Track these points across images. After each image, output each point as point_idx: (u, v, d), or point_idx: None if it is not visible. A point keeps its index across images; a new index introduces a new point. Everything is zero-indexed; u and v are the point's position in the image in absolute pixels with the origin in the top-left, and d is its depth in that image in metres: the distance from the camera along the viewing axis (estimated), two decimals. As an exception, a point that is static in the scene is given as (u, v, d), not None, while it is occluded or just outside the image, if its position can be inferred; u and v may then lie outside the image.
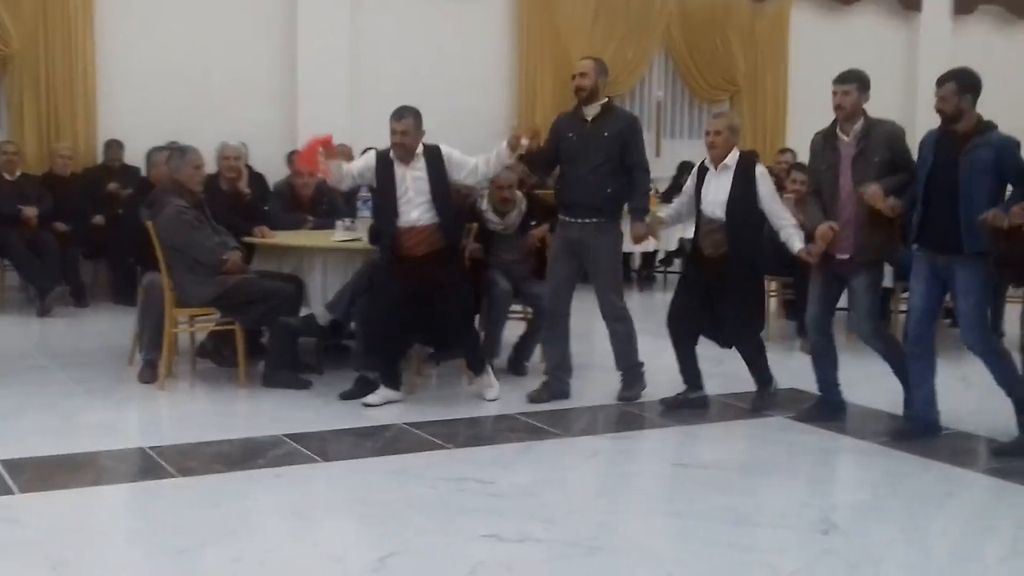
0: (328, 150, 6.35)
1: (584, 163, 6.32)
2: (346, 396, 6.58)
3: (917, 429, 5.88)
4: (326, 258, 7.13)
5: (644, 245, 7.43)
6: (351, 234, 7.35)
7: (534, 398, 6.49)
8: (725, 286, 6.16)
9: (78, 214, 9.69)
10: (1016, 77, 13.50)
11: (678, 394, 6.39)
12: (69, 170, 10.00)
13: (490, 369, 6.64)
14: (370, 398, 6.35)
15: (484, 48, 11.79)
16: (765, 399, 6.42)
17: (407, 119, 6.21)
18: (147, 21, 10.47)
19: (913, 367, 5.91)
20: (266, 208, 8.23)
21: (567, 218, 6.43)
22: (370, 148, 6.28)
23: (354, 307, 6.82)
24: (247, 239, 7.29)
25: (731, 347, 6.43)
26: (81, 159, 10.22)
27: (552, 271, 6.54)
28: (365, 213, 7.62)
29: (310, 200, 8.68)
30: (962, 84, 5.57)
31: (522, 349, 7.41)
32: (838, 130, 5.97)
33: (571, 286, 6.54)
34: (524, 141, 6.21)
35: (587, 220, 6.33)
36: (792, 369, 7.13)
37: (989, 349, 5.76)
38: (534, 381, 6.77)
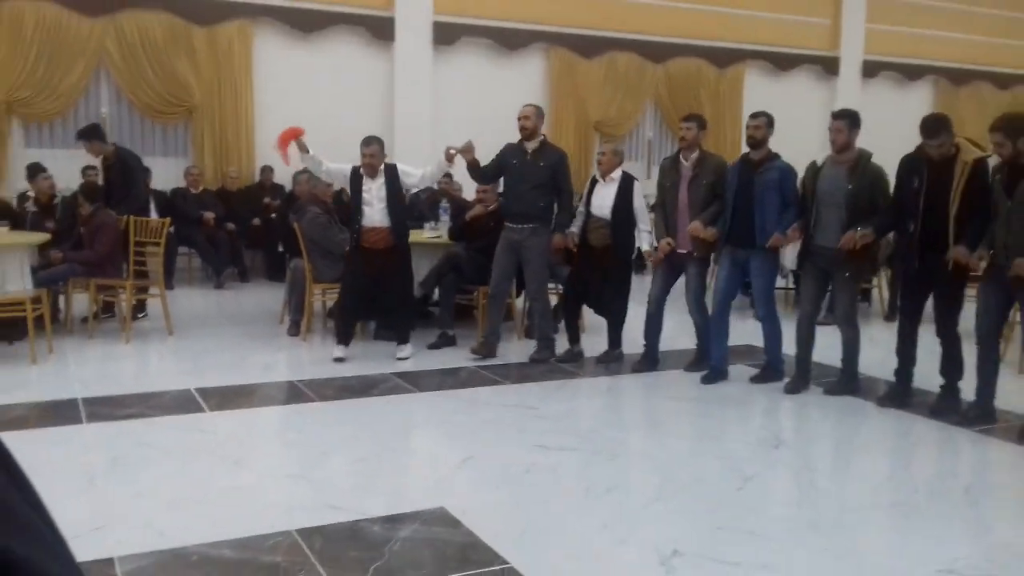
0: (299, 143, 6.17)
1: (524, 184, 6.15)
2: (432, 346, 6.61)
3: (716, 372, 5.81)
4: (419, 249, 7.12)
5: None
6: (435, 233, 7.37)
7: (475, 350, 6.29)
8: (607, 269, 6.08)
9: (242, 217, 9.75)
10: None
11: (567, 350, 6.30)
12: (236, 186, 10.07)
13: (409, 341, 6.33)
14: (337, 353, 6.12)
15: (527, 97, 11.55)
16: (612, 356, 6.26)
17: (374, 145, 6.09)
18: (289, 79, 10.49)
19: (714, 331, 5.82)
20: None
21: (511, 224, 6.23)
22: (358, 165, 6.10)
23: (440, 284, 6.85)
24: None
25: (605, 315, 6.32)
26: (244, 179, 10.27)
27: (497, 263, 6.30)
28: (444, 218, 7.65)
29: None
30: (770, 120, 5.59)
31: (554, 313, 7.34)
32: (680, 157, 5.92)
33: (511, 275, 6.38)
34: (452, 152, 6.10)
35: (525, 226, 6.16)
36: (742, 330, 7.05)
37: (771, 317, 5.72)
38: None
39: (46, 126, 9.66)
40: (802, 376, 5.68)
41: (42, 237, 6.76)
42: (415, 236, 7.35)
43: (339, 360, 6.09)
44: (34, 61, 9.29)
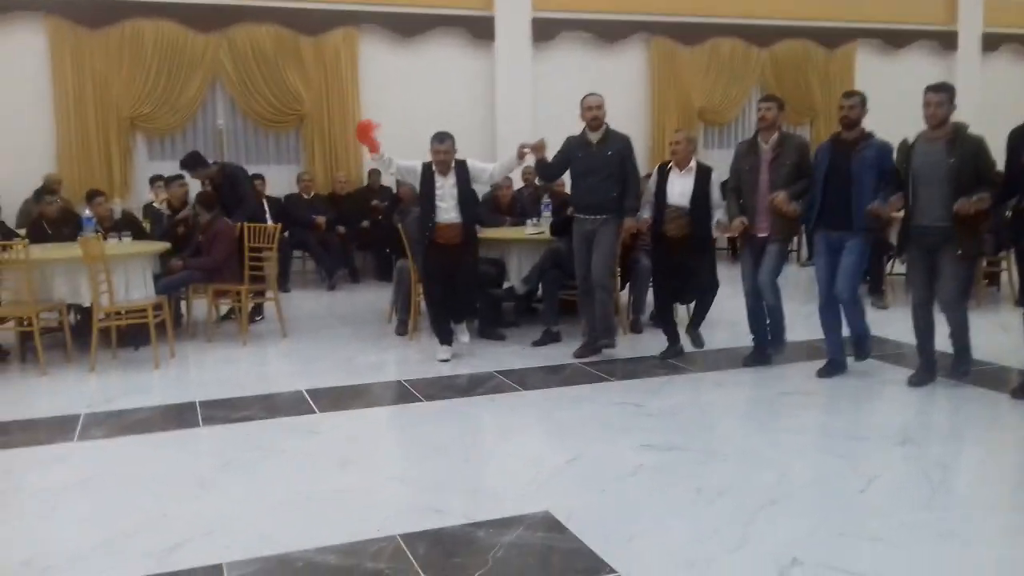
0: (370, 140, 6.08)
1: (593, 175, 5.94)
2: (537, 343, 6.49)
3: (835, 364, 5.51)
4: (520, 247, 7.03)
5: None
6: (537, 229, 7.24)
7: (577, 354, 6.10)
8: (687, 260, 5.82)
9: (352, 220, 9.85)
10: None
11: (669, 348, 6.08)
12: (345, 191, 10.19)
13: (465, 327, 6.31)
14: (441, 355, 6.09)
15: (628, 89, 11.46)
16: (695, 336, 6.04)
17: (448, 142, 5.96)
18: (393, 82, 10.55)
19: (824, 318, 5.49)
20: (479, 211, 8.15)
21: (582, 216, 6.03)
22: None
23: (542, 280, 6.71)
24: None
25: (690, 303, 6.04)
26: (353, 183, 10.39)
27: (578, 259, 6.09)
28: (547, 214, 7.50)
29: (508, 206, 8.61)
30: (864, 99, 5.25)
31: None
32: (759, 139, 5.57)
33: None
34: (526, 151, 5.94)
35: (597, 216, 5.95)
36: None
37: (853, 298, 5.36)
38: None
39: (167, 140, 10.01)
40: (927, 368, 5.30)
41: (163, 246, 6.96)
42: (516, 233, 7.27)
43: (444, 361, 6.03)
44: (154, 77, 9.65)
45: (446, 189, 6.00)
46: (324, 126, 10.32)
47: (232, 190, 7.52)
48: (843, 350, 5.58)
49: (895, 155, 5.31)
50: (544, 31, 11.00)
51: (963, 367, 5.30)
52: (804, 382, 5.43)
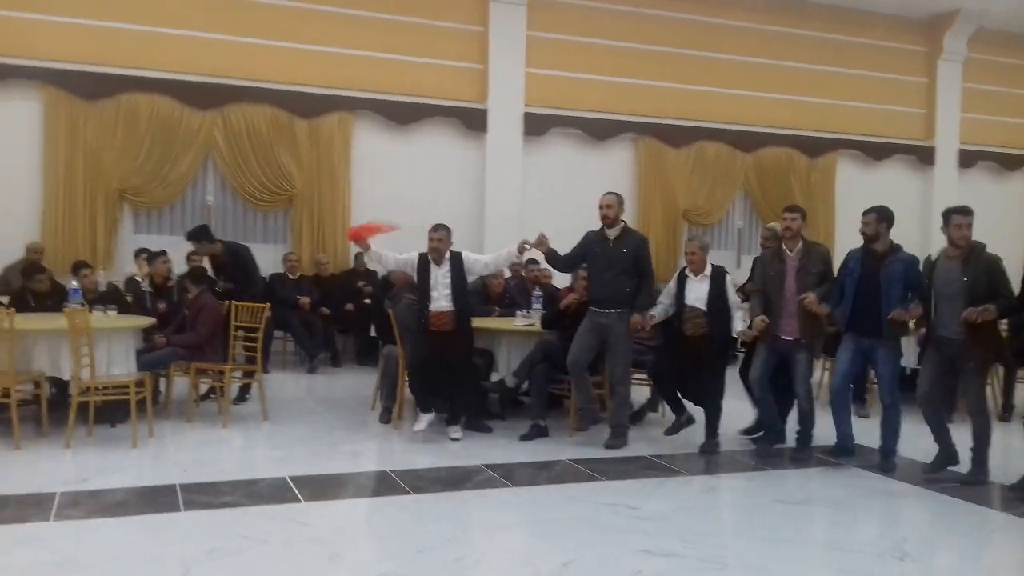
0: (363, 244, 6.36)
1: (609, 271, 6.14)
2: (525, 437, 6.45)
3: (844, 452, 5.94)
4: (510, 337, 7.04)
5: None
6: (527, 321, 7.26)
7: (579, 428, 6.44)
8: (702, 358, 6.03)
9: (336, 302, 9.83)
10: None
11: (675, 422, 6.35)
12: (329, 272, 10.20)
13: (459, 423, 6.46)
14: (417, 425, 6.31)
15: (615, 185, 11.43)
16: (711, 446, 6.19)
17: (442, 232, 6.22)
18: (385, 168, 10.68)
19: (836, 412, 5.94)
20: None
21: (597, 309, 6.20)
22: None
23: (532, 373, 6.69)
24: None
25: (703, 404, 6.25)
26: (339, 264, 10.40)
27: (579, 339, 6.23)
28: (537, 306, 7.54)
29: (498, 295, 8.64)
30: (880, 215, 5.64)
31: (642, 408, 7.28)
32: (784, 247, 5.93)
33: (591, 350, 6.25)
34: (527, 246, 6.23)
35: (611, 311, 6.14)
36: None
37: (896, 406, 5.71)
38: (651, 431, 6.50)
39: (155, 213, 10.00)
40: (947, 454, 5.62)
41: (148, 321, 6.88)
42: (506, 324, 7.28)
43: (420, 430, 6.18)
44: (147, 151, 9.71)
45: (439, 279, 6.20)
46: (314, 207, 10.38)
47: (239, 269, 7.59)
48: (852, 436, 5.96)
49: (922, 267, 5.67)
50: (535, 125, 11.26)
51: (979, 476, 5.49)
52: (797, 490, 5.42)
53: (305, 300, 9.47)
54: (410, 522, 4.60)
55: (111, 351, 6.27)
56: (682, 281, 6.19)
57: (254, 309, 6.99)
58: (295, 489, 5.03)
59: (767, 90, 12.41)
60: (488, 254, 6.68)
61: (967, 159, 13.54)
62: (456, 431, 6.39)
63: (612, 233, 6.23)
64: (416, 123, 10.81)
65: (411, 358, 6.45)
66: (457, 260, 6.27)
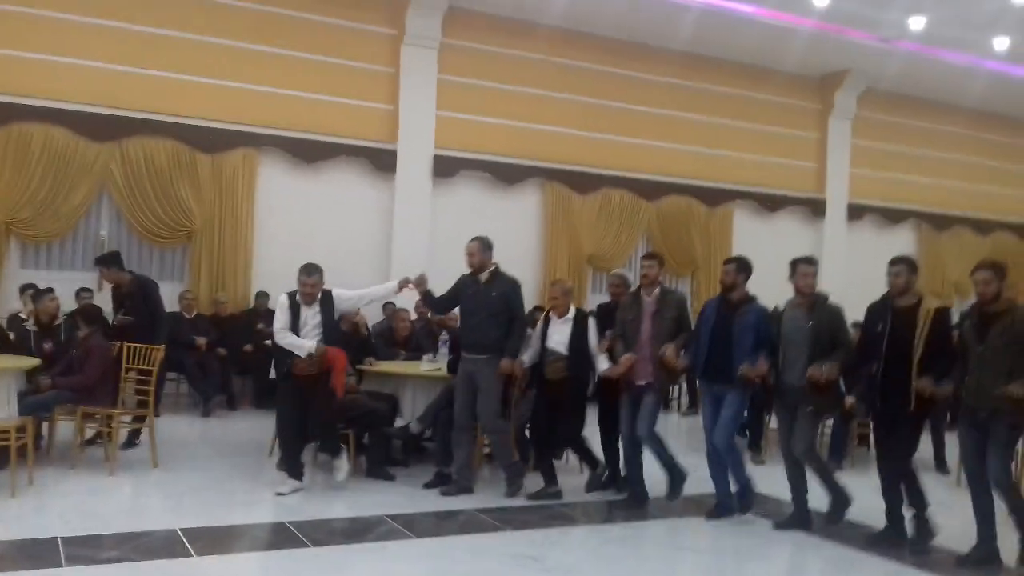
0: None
1: (478, 314, 6.13)
2: (428, 485, 6.33)
3: (724, 507, 5.83)
4: (416, 383, 6.95)
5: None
6: (434, 366, 7.18)
7: (445, 492, 6.13)
8: (562, 400, 6.09)
9: (234, 343, 9.54)
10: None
11: (542, 489, 6.20)
12: (228, 311, 9.91)
13: (344, 455, 6.16)
14: (282, 488, 5.96)
15: (523, 229, 11.81)
16: (594, 482, 6.37)
17: (316, 276, 6.00)
18: (290, 206, 10.50)
19: (711, 463, 5.84)
20: (373, 342, 8.06)
21: (466, 354, 6.18)
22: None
23: (437, 419, 6.60)
24: (359, 367, 7.13)
25: (564, 446, 6.41)
26: (239, 303, 10.12)
27: (458, 396, 6.20)
28: (443, 351, 7.48)
29: (404, 339, 8.55)
30: (740, 266, 5.80)
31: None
32: (642, 292, 6.07)
33: (472, 406, 6.16)
34: (409, 285, 6.23)
35: (480, 356, 6.10)
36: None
37: (730, 448, 5.77)
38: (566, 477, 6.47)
39: (43, 247, 9.56)
40: (801, 514, 5.69)
41: (32, 362, 6.53)
42: (412, 368, 7.18)
43: (282, 495, 5.87)
44: (38, 183, 9.29)
45: (308, 320, 6.03)
46: (214, 245, 10.09)
47: (146, 303, 7.34)
48: (731, 494, 5.84)
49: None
50: (444, 168, 11.27)
51: (836, 513, 5.65)
52: (698, 537, 5.49)
53: (202, 341, 9.15)
54: (310, 577, 4.45)
55: (-10, 393, 5.91)
56: (546, 324, 6.23)
57: (146, 350, 6.71)
58: (186, 542, 4.80)
59: (670, 140, 12.76)
60: (362, 288, 6.49)
61: (855, 212, 14.19)
62: (339, 469, 6.07)
63: (483, 276, 6.20)
64: (324, 161, 10.67)
65: (277, 415, 6.17)
66: (327, 299, 6.09)
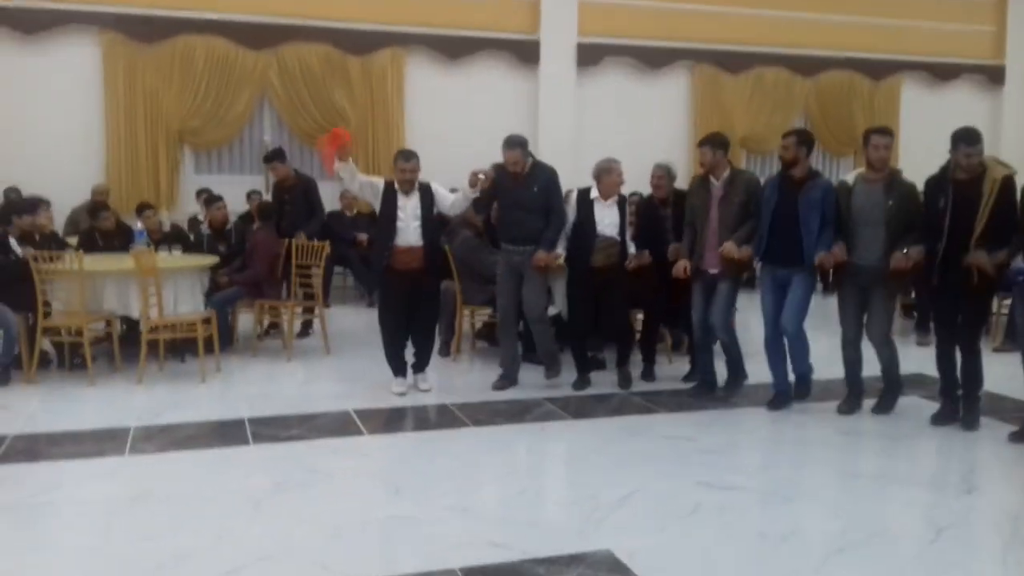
0: (343, 150, 5.52)
1: (519, 209, 5.80)
2: (581, 370, 6.34)
3: (783, 397, 5.53)
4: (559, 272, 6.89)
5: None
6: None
7: (497, 387, 5.92)
8: (613, 288, 5.79)
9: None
10: None
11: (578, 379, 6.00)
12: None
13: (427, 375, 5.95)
14: (395, 388, 5.76)
15: (670, 114, 11.43)
16: (625, 374, 6.07)
17: (414, 160, 5.64)
18: (438, 103, 10.54)
19: (770, 352, 5.50)
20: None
21: (510, 247, 5.90)
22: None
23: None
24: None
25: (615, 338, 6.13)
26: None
27: (501, 289, 5.96)
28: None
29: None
30: (800, 138, 5.27)
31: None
32: (711, 176, 5.56)
33: (517, 299, 5.93)
34: (481, 176, 5.69)
35: (525, 247, 5.80)
36: (910, 356, 6.31)
37: (798, 333, 5.40)
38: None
39: (214, 154, 10.06)
40: (855, 396, 5.47)
41: (212, 260, 6.95)
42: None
43: (400, 394, 5.71)
44: (203, 92, 9.70)
45: (408, 210, 5.67)
46: (368, 144, 10.32)
47: (306, 199, 7.60)
48: (788, 382, 5.57)
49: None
50: (588, 56, 10.96)
51: (890, 401, 5.43)
52: (858, 422, 5.29)
53: (362, 236, 9.46)
54: (472, 455, 4.62)
55: (177, 290, 6.36)
56: (590, 207, 5.83)
57: (313, 247, 7.00)
58: (358, 422, 5.08)
59: (827, 11, 11.86)
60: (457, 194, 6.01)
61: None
62: (425, 381, 5.92)
63: (524, 171, 5.81)
64: (468, 57, 10.61)
65: (379, 310, 5.91)
66: (427, 192, 5.73)
